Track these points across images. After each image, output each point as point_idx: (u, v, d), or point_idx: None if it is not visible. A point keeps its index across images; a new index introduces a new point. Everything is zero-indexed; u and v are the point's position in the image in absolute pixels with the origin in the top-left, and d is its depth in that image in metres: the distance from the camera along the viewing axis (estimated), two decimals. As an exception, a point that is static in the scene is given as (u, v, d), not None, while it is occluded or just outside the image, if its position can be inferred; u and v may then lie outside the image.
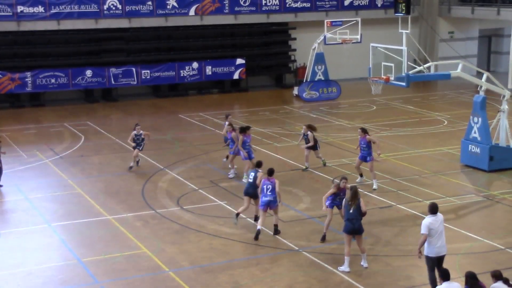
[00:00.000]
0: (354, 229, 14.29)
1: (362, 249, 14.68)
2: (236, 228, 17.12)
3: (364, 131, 20.18)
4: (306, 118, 30.78)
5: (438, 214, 13.07)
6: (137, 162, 22.69)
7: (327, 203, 16.09)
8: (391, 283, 14.04)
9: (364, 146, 20.06)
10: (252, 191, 16.87)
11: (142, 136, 22.47)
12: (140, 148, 22.49)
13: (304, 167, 22.10)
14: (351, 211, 14.28)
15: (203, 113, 31.76)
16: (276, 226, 16.69)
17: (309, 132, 21.76)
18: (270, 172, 16.54)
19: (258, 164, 17.27)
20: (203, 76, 37.18)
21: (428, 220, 12.94)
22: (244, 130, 20.96)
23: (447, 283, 11.11)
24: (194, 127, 29.11)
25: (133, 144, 22.48)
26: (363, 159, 20.22)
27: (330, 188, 16.50)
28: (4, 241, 16.64)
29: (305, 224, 17.45)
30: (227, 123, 22.08)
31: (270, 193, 16.24)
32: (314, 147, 21.95)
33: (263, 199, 16.33)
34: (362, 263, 14.70)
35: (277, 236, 16.54)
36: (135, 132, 22.46)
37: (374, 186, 19.95)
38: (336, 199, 16.02)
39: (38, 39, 35.44)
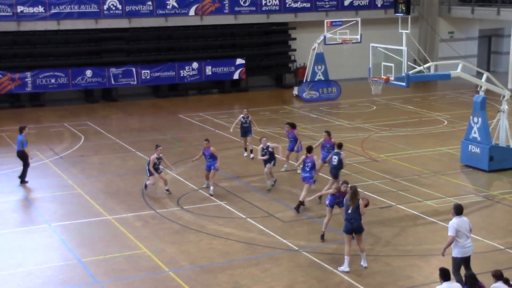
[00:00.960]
0: (353, 228, 14.40)
1: (362, 249, 14.70)
2: (236, 228, 17.13)
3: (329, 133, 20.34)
4: (306, 118, 30.80)
5: (463, 216, 13.22)
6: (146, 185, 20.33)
7: (326, 202, 16.21)
8: (391, 283, 14.04)
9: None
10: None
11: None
12: (159, 172, 20.07)
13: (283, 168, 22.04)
14: (349, 211, 14.39)
15: (203, 113, 31.76)
16: (301, 202, 18.16)
17: (268, 144, 20.45)
18: (309, 150, 18.36)
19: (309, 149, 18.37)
20: (203, 76, 37.19)
21: (454, 221, 13.03)
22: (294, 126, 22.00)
23: (448, 283, 11.12)
24: (194, 127, 29.11)
25: (154, 174, 19.77)
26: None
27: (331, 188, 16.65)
28: (4, 241, 16.64)
29: (305, 224, 17.45)
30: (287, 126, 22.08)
31: (309, 170, 18.13)
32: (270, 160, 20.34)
33: (302, 175, 18.40)
34: (362, 263, 14.72)
35: (277, 236, 16.53)
36: (155, 155, 19.73)
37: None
38: (335, 200, 16.09)
39: (38, 39, 35.45)
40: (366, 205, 14.97)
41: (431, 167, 22.33)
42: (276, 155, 20.32)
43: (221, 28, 38.82)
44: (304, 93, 35.20)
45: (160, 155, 19.88)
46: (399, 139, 26.20)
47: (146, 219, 17.89)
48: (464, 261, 13.07)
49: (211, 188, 19.80)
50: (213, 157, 19.88)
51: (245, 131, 23.71)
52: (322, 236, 16.30)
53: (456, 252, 13.07)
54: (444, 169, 22.18)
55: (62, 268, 15.00)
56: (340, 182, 16.24)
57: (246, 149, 24.07)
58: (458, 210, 13.13)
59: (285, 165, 22.05)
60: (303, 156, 18.42)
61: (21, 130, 21.44)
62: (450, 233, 12.95)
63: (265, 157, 20.16)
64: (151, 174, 19.75)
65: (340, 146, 18.99)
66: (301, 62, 39.71)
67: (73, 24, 35.38)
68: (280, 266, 14.90)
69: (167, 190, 19.95)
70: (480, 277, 11.39)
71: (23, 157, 21.16)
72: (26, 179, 21.25)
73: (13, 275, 14.63)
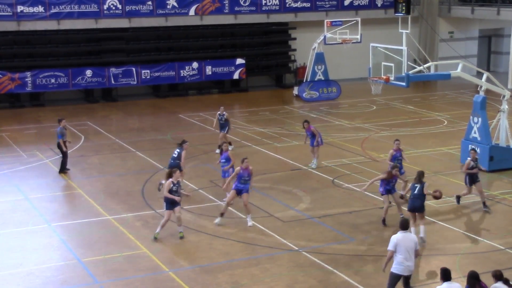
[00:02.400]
0: (414, 207, 15.78)
1: (418, 224, 15.87)
2: (236, 228, 17.12)
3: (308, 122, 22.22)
4: (306, 118, 30.77)
5: (408, 232, 12.67)
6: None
7: (380, 190, 17.24)
8: (391, 283, 14.02)
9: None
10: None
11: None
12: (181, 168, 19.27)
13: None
14: (415, 191, 15.84)
15: (203, 113, 31.76)
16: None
17: (225, 113, 24.13)
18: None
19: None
20: (203, 76, 37.19)
21: (396, 235, 12.49)
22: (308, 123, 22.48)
23: (448, 283, 11.09)
24: (194, 127, 29.11)
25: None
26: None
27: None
28: (4, 241, 16.64)
29: (305, 224, 17.44)
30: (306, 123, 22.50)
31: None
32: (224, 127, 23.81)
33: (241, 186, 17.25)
34: (421, 235, 15.71)
35: (277, 236, 16.54)
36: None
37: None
38: (388, 185, 17.08)
39: (38, 39, 35.45)
40: (437, 197, 16.37)
41: (431, 167, 22.31)
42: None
43: (221, 28, 38.83)
44: (304, 93, 35.21)
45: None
46: (399, 139, 26.13)
47: (146, 219, 17.88)
48: (404, 278, 12.48)
49: (249, 220, 17.41)
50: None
51: (221, 127, 24.45)
52: (384, 221, 17.10)
53: (392, 267, 12.50)
54: (444, 169, 22.17)
55: (62, 268, 14.99)
56: (390, 167, 17.54)
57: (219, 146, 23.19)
58: (402, 225, 12.57)
59: (313, 161, 22.41)
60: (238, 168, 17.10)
61: (59, 122, 22.25)
62: (389, 247, 12.47)
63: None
64: (169, 206, 16.40)
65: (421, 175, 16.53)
66: (301, 62, 39.72)
67: (73, 24, 35.38)
68: (280, 266, 14.90)
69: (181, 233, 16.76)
70: (480, 277, 11.36)
71: (59, 148, 22.08)
72: (68, 167, 22.31)
73: (13, 275, 14.63)
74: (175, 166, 18.30)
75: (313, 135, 22.28)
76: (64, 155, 22.24)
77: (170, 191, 16.29)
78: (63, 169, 22.22)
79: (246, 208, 17.32)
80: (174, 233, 16.86)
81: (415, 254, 12.53)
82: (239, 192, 17.22)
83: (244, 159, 17.21)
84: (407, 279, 12.56)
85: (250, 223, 17.21)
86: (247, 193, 17.18)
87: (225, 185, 17.97)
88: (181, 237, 16.44)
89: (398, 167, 17.58)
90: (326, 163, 22.77)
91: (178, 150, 19.82)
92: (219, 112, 24.62)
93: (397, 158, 18.95)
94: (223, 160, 19.09)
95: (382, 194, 17.26)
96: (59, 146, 22.14)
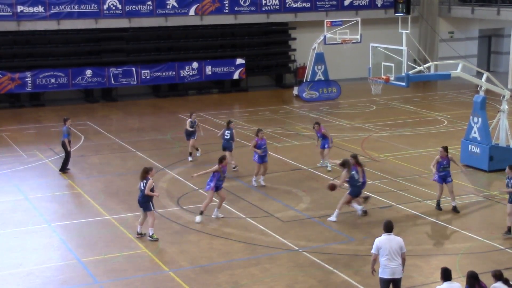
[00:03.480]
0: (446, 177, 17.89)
1: (452, 196, 17.91)
2: (236, 228, 17.13)
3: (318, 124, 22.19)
4: (306, 118, 30.80)
5: (393, 234, 12.37)
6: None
7: (435, 178, 18.17)
8: (391, 283, 14.01)
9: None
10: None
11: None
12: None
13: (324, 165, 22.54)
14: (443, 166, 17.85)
15: (203, 113, 31.74)
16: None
17: (196, 120, 23.80)
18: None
19: None
20: (203, 76, 37.19)
21: (379, 238, 12.30)
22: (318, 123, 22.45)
23: (448, 283, 11.08)
24: (194, 127, 29.05)
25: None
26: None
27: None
28: (4, 241, 16.64)
29: (305, 224, 17.44)
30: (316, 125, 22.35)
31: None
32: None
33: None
34: (452, 203, 17.68)
35: (277, 236, 16.54)
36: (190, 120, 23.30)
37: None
38: (440, 169, 17.95)
39: (38, 39, 35.45)
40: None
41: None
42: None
43: (221, 28, 38.82)
44: (304, 93, 35.20)
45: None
46: (399, 139, 26.19)
47: (146, 219, 17.85)
48: (392, 282, 12.23)
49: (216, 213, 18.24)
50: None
51: (189, 134, 23.69)
52: (438, 204, 18.23)
53: (379, 271, 12.33)
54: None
55: (62, 268, 14.99)
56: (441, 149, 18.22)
57: (191, 153, 23.65)
58: (386, 228, 12.33)
59: (327, 163, 22.22)
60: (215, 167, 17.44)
61: (64, 121, 22.50)
62: (372, 250, 12.30)
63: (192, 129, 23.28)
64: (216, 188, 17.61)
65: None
66: (301, 62, 39.71)
67: (73, 24, 35.38)
68: (280, 266, 14.90)
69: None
70: (480, 277, 11.36)
71: (63, 147, 22.30)
72: (68, 167, 22.42)
73: (13, 275, 14.63)
74: (228, 147, 21.36)
75: (324, 137, 22.11)
76: (68, 155, 22.38)
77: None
78: (63, 169, 22.28)
79: (221, 203, 17.92)
80: (175, 233, 16.87)
81: (401, 257, 12.17)
82: (218, 189, 17.59)
83: (222, 158, 17.67)
84: (396, 285, 12.23)
85: (214, 214, 17.88)
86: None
87: (196, 174, 18.25)
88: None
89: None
90: (326, 163, 22.76)
91: (228, 131, 21.47)
92: (190, 120, 23.69)
93: (443, 166, 18.04)
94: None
95: (439, 183, 18.10)
96: (63, 145, 22.27)
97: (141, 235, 16.51)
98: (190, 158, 23.51)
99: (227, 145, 21.58)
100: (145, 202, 16.22)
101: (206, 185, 17.67)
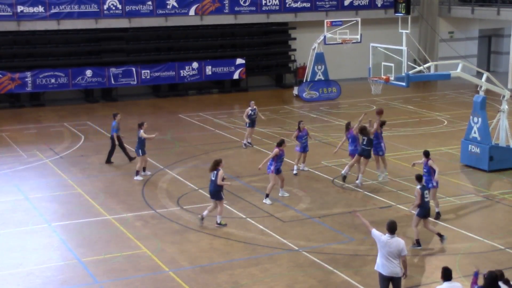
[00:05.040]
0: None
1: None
2: (236, 228, 17.13)
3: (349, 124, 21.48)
4: (306, 118, 30.77)
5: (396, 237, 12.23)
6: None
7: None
8: (391, 283, 14.01)
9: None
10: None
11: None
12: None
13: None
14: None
15: (203, 113, 31.75)
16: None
17: (255, 107, 25.04)
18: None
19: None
20: (203, 76, 37.18)
21: (381, 236, 12.27)
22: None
23: (448, 283, 11.06)
24: (194, 127, 29.10)
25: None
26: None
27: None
28: (4, 241, 16.64)
29: (305, 224, 17.45)
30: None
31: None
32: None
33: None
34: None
35: (277, 236, 16.54)
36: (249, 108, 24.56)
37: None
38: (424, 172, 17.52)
39: (38, 39, 35.45)
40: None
41: (431, 167, 22.30)
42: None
43: (221, 28, 38.82)
44: (304, 93, 35.20)
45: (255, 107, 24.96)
46: (399, 139, 26.19)
47: (146, 219, 17.88)
48: (392, 281, 12.17)
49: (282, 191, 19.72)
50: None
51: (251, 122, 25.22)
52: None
53: (378, 266, 12.28)
54: (444, 169, 22.12)
55: (62, 268, 14.99)
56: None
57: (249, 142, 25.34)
58: (389, 229, 12.24)
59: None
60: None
61: (114, 116, 23.43)
62: (372, 234, 12.31)
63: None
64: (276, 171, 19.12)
65: None
66: (301, 62, 39.72)
67: (73, 24, 35.38)
68: (280, 266, 14.90)
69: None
70: (480, 277, 11.35)
71: (112, 140, 23.20)
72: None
73: (13, 275, 14.63)
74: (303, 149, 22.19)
75: (353, 139, 20.73)
76: (114, 148, 23.22)
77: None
78: (108, 160, 23.25)
79: (283, 183, 19.41)
80: (175, 233, 16.87)
81: (402, 260, 12.10)
82: (278, 172, 19.09)
83: (282, 141, 19.15)
84: (396, 284, 12.22)
85: (281, 193, 19.46)
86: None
87: (261, 165, 19.38)
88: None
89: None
90: (326, 163, 22.78)
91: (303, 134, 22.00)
92: (250, 108, 25.17)
93: (425, 170, 17.46)
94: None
95: None
96: (112, 139, 23.09)
97: (202, 219, 17.29)
98: (244, 146, 25.18)
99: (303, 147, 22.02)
100: (217, 191, 17.08)
101: (267, 169, 19.03)
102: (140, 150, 21.62)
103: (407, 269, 12.34)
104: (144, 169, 21.89)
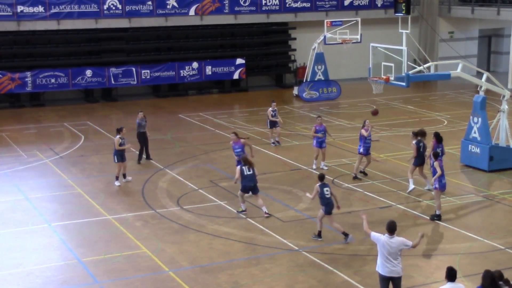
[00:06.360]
0: None
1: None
2: (236, 228, 17.13)
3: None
4: (306, 118, 30.80)
5: (396, 236, 12.21)
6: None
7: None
8: (391, 283, 14.01)
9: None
10: None
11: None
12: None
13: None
14: None
15: (203, 113, 31.76)
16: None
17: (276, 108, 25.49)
18: None
19: None
20: (203, 76, 37.18)
21: (381, 237, 12.27)
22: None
23: (451, 283, 10.99)
24: (194, 127, 29.10)
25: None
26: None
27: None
28: (4, 241, 16.64)
29: (305, 224, 17.44)
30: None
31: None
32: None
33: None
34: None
35: (277, 236, 16.55)
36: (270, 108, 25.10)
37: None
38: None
39: (38, 39, 35.45)
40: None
41: (431, 167, 22.29)
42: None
43: (221, 28, 38.82)
44: (304, 93, 35.20)
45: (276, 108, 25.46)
46: (399, 139, 26.18)
47: (146, 219, 17.88)
48: (392, 281, 12.16)
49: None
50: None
51: (272, 123, 25.48)
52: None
53: (378, 266, 12.28)
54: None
55: (62, 268, 15.00)
56: None
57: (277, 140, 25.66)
58: (389, 229, 12.24)
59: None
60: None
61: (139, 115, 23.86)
62: (371, 236, 12.36)
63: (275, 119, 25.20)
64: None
65: None
66: (301, 62, 39.71)
67: (73, 24, 35.38)
68: (280, 266, 14.90)
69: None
70: (480, 277, 11.34)
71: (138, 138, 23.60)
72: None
73: (13, 275, 14.63)
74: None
75: (365, 140, 20.88)
76: (143, 145, 23.52)
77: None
78: (147, 157, 23.58)
79: (368, 163, 21.04)
80: (175, 233, 16.87)
81: (413, 246, 12.27)
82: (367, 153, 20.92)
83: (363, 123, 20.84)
84: (395, 284, 12.21)
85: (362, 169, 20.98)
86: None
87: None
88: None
89: None
90: (325, 163, 22.75)
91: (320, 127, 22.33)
92: (271, 108, 25.42)
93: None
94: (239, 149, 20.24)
95: None
96: (138, 137, 23.53)
97: (268, 215, 17.82)
98: (272, 144, 25.45)
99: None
100: (256, 183, 17.82)
101: (357, 150, 20.74)
102: (115, 157, 20.93)
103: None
104: (124, 176, 21.10)
